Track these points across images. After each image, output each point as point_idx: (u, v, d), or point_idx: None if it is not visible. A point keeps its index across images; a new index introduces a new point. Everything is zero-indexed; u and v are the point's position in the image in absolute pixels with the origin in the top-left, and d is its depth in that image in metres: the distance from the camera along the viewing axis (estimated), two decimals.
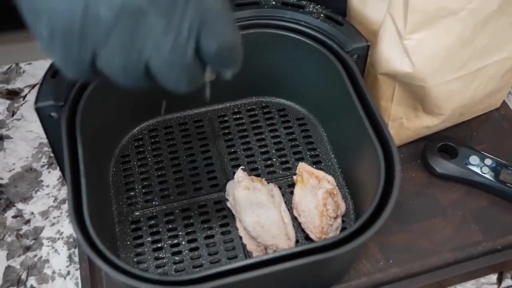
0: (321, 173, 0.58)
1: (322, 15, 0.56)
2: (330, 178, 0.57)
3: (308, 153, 0.61)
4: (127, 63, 0.32)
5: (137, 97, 0.59)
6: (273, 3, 0.57)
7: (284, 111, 0.64)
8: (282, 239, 0.53)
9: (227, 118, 0.64)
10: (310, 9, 0.57)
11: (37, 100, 0.49)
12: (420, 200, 0.61)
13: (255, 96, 0.65)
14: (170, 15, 0.31)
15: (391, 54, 0.55)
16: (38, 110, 0.49)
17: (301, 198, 0.56)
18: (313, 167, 0.59)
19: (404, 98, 0.59)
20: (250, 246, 0.54)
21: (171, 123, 0.63)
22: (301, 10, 0.57)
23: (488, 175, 0.60)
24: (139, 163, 0.60)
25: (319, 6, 0.57)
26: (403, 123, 0.61)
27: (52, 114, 0.50)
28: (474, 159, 0.61)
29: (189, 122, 0.63)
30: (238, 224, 0.55)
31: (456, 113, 0.62)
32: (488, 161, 0.61)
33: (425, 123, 0.61)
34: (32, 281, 0.59)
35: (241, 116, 0.64)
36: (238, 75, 0.61)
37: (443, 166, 0.61)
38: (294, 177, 0.58)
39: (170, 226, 0.55)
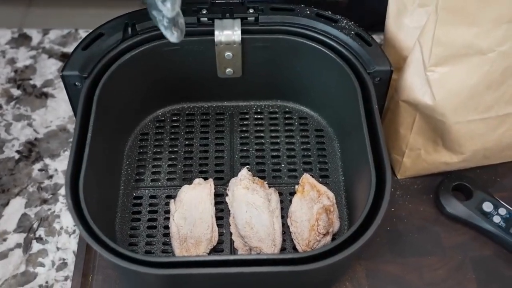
0: (323, 188, 0.58)
1: (353, 32, 0.56)
2: (331, 194, 0.57)
3: (318, 165, 0.61)
4: None
5: (165, 81, 0.62)
6: (308, 12, 0.57)
7: (305, 120, 0.65)
8: (268, 244, 0.54)
9: (248, 116, 0.65)
10: (343, 25, 0.57)
11: (64, 68, 0.53)
12: (422, 235, 0.59)
13: (280, 100, 0.66)
14: None
15: (414, 83, 0.54)
16: (63, 78, 0.53)
17: (297, 208, 0.57)
18: (319, 180, 0.59)
19: (424, 129, 0.58)
20: (238, 243, 0.55)
21: (194, 111, 0.65)
22: (333, 24, 0.57)
23: (498, 224, 0.58)
24: (155, 143, 0.63)
25: (352, 23, 0.57)
26: (421, 154, 0.60)
27: (77, 83, 0.54)
28: (488, 206, 0.59)
29: (211, 113, 0.65)
30: (231, 220, 0.57)
31: (479, 155, 0.60)
32: (502, 211, 0.58)
33: (444, 159, 0.60)
34: (41, 231, 0.64)
35: (262, 117, 0.65)
36: (266, 76, 0.62)
37: (453, 206, 0.59)
38: (296, 186, 0.59)
39: (168, 209, 0.58)
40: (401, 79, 0.56)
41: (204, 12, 0.57)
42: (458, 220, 0.60)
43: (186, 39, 0.57)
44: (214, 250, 0.56)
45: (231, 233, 0.56)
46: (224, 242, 0.56)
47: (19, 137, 0.71)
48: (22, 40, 0.81)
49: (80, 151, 0.50)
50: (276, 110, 0.66)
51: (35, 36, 0.81)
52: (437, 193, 0.61)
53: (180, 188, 0.58)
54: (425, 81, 0.53)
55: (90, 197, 0.48)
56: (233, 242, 0.56)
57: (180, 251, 0.54)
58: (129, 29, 0.56)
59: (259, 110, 0.66)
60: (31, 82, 0.76)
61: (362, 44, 0.55)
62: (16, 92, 0.75)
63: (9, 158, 0.69)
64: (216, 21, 0.57)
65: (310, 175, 0.59)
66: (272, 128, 0.64)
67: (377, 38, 0.71)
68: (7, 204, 0.66)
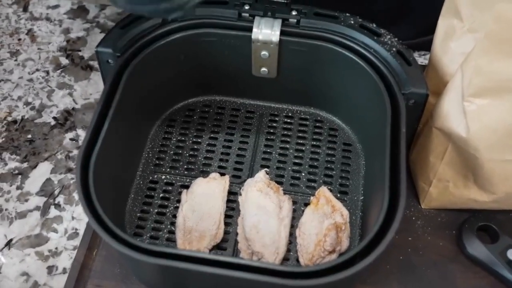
0: (338, 204, 0.56)
1: (394, 49, 0.54)
2: (346, 212, 0.55)
3: (339, 180, 0.59)
4: None
5: (198, 72, 0.61)
6: (351, 22, 0.55)
7: (335, 132, 0.63)
8: (270, 251, 0.53)
9: (277, 119, 0.64)
10: (386, 40, 0.54)
11: (99, 44, 0.54)
12: (437, 271, 0.56)
13: (314, 107, 0.64)
14: None
15: (450, 111, 0.51)
16: (97, 53, 0.54)
17: (307, 220, 0.55)
18: (337, 196, 0.57)
19: (456, 161, 0.54)
20: (242, 245, 0.54)
21: (225, 105, 0.65)
22: (375, 38, 0.54)
23: None
24: (181, 131, 0.63)
25: (396, 39, 0.54)
26: (449, 187, 0.57)
27: (110, 60, 0.54)
28: None
29: (241, 110, 0.64)
30: (239, 220, 0.56)
31: None
32: None
33: (473, 196, 0.56)
34: (60, 198, 0.66)
35: (292, 121, 0.64)
36: (301, 81, 0.61)
37: (475, 247, 0.56)
38: (312, 197, 0.57)
39: (180, 198, 0.57)
40: (438, 105, 0.53)
41: (247, 8, 0.56)
42: (478, 263, 0.56)
43: (224, 32, 0.57)
44: (218, 247, 0.55)
45: (237, 234, 0.55)
46: (229, 241, 0.55)
47: (58, 105, 0.73)
48: (79, 12, 0.84)
49: (100, 127, 0.50)
50: (308, 117, 0.64)
51: (92, 10, 0.84)
52: (460, 230, 0.57)
53: (194, 179, 0.58)
54: (461, 111, 0.50)
55: (102, 173, 0.49)
56: (238, 243, 0.55)
57: (183, 242, 0.54)
58: None
59: (290, 114, 0.64)
60: (80, 53, 0.79)
61: (401, 63, 0.53)
62: (64, 61, 0.78)
63: (45, 123, 0.72)
64: (257, 18, 0.56)
65: (329, 189, 0.57)
66: (300, 134, 0.63)
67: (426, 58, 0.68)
68: (35, 166, 0.68)
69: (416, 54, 0.77)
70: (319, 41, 0.56)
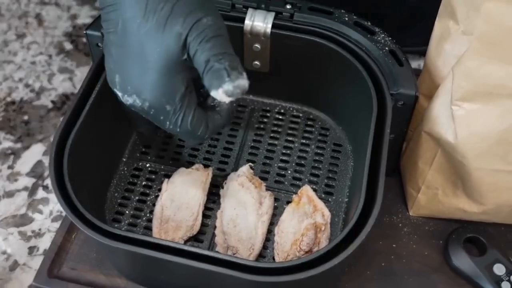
0: (320, 204, 0.54)
1: (387, 48, 0.52)
2: (327, 213, 0.54)
3: (325, 181, 0.58)
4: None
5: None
6: (346, 19, 0.54)
7: (327, 131, 0.61)
8: (246, 247, 0.52)
9: (269, 115, 0.63)
10: (379, 38, 0.53)
11: (88, 27, 0.54)
12: (419, 281, 0.54)
13: (307, 105, 0.63)
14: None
15: (440, 116, 0.49)
16: (87, 36, 0.54)
17: (287, 218, 0.54)
18: (321, 196, 0.56)
19: (445, 168, 0.52)
20: (218, 239, 0.54)
21: None
22: (369, 36, 0.53)
23: None
24: None
25: (389, 38, 0.53)
26: (438, 195, 0.55)
27: (99, 44, 0.54)
28: (499, 268, 0.53)
29: (232, 103, 0.63)
30: (218, 214, 0.55)
31: (503, 211, 0.53)
32: None
33: (462, 206, 0.54)
34: (49, 181, 0.66)
35: (283, 118, 0.62)
36: (294, 77, 0.60)
37: (461, 259, 0.54)
38: (294, 195, 0.56)
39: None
40: (428, 109, 0.51)
41: None
42: (463, 276, 0.54)
43: None
44: (195, 239, 0.54)
45: (215, 227, 0.55)
46: (206, 233, 0.54)
47: (57, 88, 0.74)
48: None
49: (81, 110, 0.50)
50: (300, 114, 0.63)
51: None
52: (446, 241, 0.55)
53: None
54: (450, 115, 0.48)
55: (80, 157, 0.49)
56: (215, 236, 0.54)
57: (158, 231, 0.53)
58: None
59: (282, 111, 0.63)
60: (84, 39, 0.79)
61: (393, 63, 0.51)
62: (68, 46, 0.78)
63: (43, 105, 0.72)
64: (250, 10, 0.55)
65: (313, 189, 0.56)
66: (290, 131, 0.61)
67: None
68: (28, 147, 0.68)
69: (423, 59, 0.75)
70: (311, 36, 0.54)
